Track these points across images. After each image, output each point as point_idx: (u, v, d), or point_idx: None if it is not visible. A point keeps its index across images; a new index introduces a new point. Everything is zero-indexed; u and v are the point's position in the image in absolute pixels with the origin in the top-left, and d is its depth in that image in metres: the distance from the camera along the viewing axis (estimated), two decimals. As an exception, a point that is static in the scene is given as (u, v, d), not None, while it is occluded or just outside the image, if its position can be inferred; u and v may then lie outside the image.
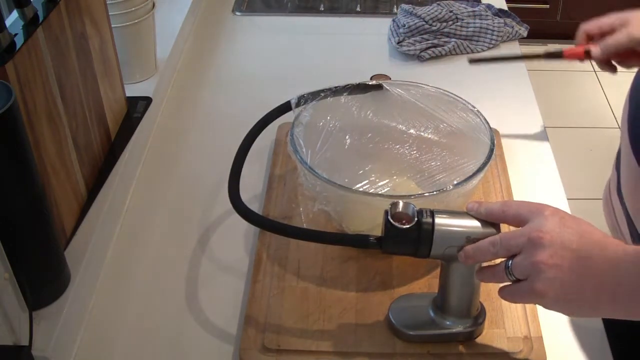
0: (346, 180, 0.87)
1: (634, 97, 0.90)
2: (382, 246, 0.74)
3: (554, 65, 2.39)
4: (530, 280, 0.68)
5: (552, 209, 0.70)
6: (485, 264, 0.74)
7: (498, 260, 0.72)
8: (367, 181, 0.91)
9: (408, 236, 0.73)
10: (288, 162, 1.04)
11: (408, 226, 0.73)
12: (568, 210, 1.00)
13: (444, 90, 1.00)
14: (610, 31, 1.01)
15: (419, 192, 0.84)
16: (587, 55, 1.03)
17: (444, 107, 0.99)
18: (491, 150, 0.89)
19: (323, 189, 0.86)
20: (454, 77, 1.26)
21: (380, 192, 0.90)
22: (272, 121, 0.95)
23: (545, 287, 0.67)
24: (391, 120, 1.01)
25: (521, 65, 1.32)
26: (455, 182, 0.86)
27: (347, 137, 0.99)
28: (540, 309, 0.84)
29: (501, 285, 0.73)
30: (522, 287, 0.69)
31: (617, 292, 0.65)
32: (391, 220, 0.73)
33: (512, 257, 0.69)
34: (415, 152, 0.99)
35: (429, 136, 0.99)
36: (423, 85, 1.00)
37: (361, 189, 0.87)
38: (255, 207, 1.00)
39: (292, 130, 0.92)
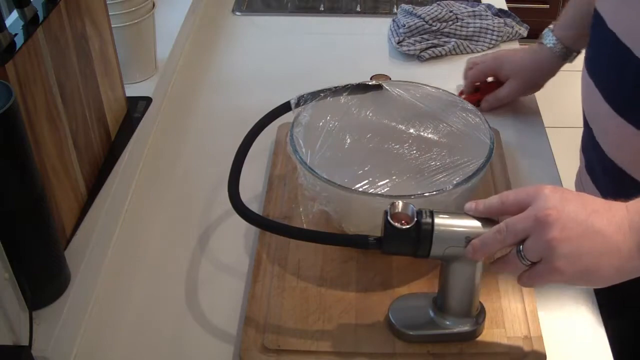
0: (346, 180, 0.87)
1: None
2: (382, 247, 0.74)
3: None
4: (546, 260, 0.67)
5: (550, 187, 0.70)
6: (497, 255, 0.73)
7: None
8: (367, 181, 0.91)
9: (407, 237, 0.73)
10: (288, 162, 1.04)
11: (407, 226, 0.72)
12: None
13: (444, 90, 1.00)
14: (492, 74, 1.20)
15: (419, 192, 0.84)
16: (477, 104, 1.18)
17: (444, 107, 0.99)
18: (491, 150, 0.89)
19: (323, 189, 0.86)
20: (454, 77, 1.26)
21: (380, 192, 0.90)
22: (271, 121, 0.95)
23: (562, 263, 0.66)
24: (391, 120, 1.01)
25: (521, 65, 1.32)
26: (455, 182, 0.86)
27: (347, 137, 0.99)
28: (540, 309, 0.84)
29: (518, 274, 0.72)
30: (539, 270, 0.68)
31: (631, 247, 0.66)
32: (390, 221, 0.73)
33: (521, 242, 0.69)
34: (415, 152, 0.99)
35: (429, 136, 0.99)
36: (423, 85, 1.00)
37: (361, 189, 0.87)
38: (255, 207, 1.00)
39: (292, 131, 0.92)
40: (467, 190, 0.86)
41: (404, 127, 1.00)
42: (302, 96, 0.95)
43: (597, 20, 0.91)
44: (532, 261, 0.69)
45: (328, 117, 0.97)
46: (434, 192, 0.84)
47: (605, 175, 0.95)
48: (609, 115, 0.87)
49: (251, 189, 1.03)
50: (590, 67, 0.94)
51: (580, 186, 1.05)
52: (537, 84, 1.18)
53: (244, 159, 0.89)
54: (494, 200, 0.73)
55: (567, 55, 1.12)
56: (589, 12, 0.95)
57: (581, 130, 1.00)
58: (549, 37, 1.12)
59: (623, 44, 0.84)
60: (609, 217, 0.67)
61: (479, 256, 0.72)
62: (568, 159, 1.30)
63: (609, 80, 0.89)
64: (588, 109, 0.96)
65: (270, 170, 1.05)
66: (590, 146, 0.97)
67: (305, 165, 0.87)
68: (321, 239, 0.81)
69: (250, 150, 0.91)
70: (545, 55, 1.13)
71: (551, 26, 1.13)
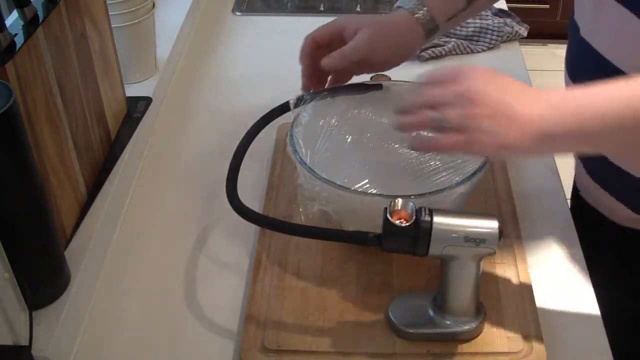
0: (346, 180, 0.87)
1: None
2: (381, 243, 0.75)
3: (554, 64, 2.39)
4: (468, 132, 0.72)
5: (471, 67, 0.75)
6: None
7: None
8: (366, 181, 0.90)
9: (406, 234, 0.73)
10: (288, 162, 1.04)
11: (406, 224, 0.73)
12: (569, 211, 1.00)
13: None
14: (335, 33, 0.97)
15: (419, 192, 0.84)
16: None
17: (443, 107, 0.99)
18: (491, 150, 0.89)
19: (322, 189, 0.86)
20: (454, 77, 1.26)
21: (379, 192, 0.90)
22: (270, 121, 0.95)
23: (484, 137, 0.71)
24: (391, 120, 1.01)
25: (521, 65, 1.32)
26: (455, 182, 0.86)
27: (346, 137, 0.99)
28: (539, 308, 0.84)
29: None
30: (457, 138, 0.73)
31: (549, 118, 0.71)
32: (390, 218, 0.73)
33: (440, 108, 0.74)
34: (415, 151, 0.98)
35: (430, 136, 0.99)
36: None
37: (361, 189, 0.87)
38: (255, 207, 1.00)
39: (292, 131, 0.92)
40: (467, 190, 0.86)
41: (404, 127, 1.00)
42: (302, 96, 0.95)
43: (574, 29, 0.92)
44: (450, 126, 0.73)
45: (328, 117, 0.97)
46: (434, 192, 0.84)
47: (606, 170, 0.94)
48: None
49: (251, 190, 1.02)
50: (570, 69, 0.95)
51: (582, 186, 1.05)
52: (395, 45, 0.96)
53: (243, 158, 0.89)
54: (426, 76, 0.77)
55: (428, 21, 0.95)
56: None
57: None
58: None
59: (598, 53, 0.86)
60: (528, 100, 0.72)
61: (409, 122, 0.78)
62: (568, 158, 1.29)
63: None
64: None
65: (270, 171, 1.05)
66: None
67: (305, 166, 0.87)
68: (320, 235, 0.82)
69: (250, 150, 0.91)
70: (399, 13, 0.96)
71: None
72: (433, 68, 0.85)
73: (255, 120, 0.94)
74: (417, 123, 0.77)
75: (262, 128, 0.94)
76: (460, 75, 0.74)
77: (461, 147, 0.74)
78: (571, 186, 1.10)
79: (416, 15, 0.94)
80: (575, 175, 1.07)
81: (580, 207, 1.05)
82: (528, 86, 0.75)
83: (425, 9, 0.94)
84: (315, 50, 0.95)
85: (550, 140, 0.72)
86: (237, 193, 0.83)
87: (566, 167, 1.15)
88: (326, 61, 0.93)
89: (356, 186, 0.88)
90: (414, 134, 0.81)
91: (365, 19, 0.95)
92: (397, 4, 0.97)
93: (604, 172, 0.96)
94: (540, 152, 0.85)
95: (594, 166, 0.98)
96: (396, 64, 0.98)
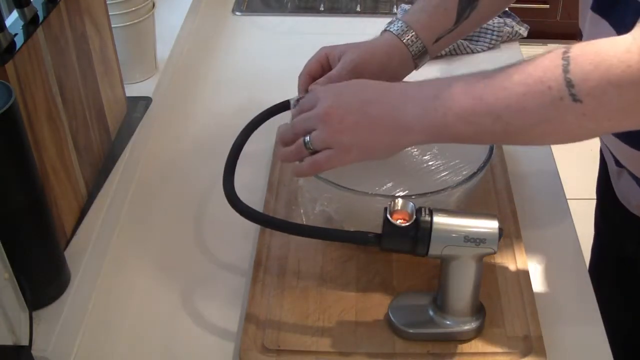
0: (347, 180, 0.87)
1: None
2: (381, 243, 0.75)
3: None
4: (332, 147, 0.77)
5: (322, 89, 0.83)
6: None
7: None
8: (368, 181, 0.90)
9: (406, 234, 0.73)
10: (288, 163, 1.03)
11: (406, 224, 0.73)
12: (569, 211, 1.00)
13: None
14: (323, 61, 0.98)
15: (419, 192, 0.84)
16: None
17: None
18: (491, 150, 0.89)
19: (324, 190, 0.86)
20: (454, 77, 1.26)
21: (380, 193, 0.90)
22: (268, 118, 0.95)
23: (347, 151, 0.77)
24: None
25: (521, 65, 1.32)
26: (455, 182, 0.86)
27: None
28: (539, 308, 0.84)
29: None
30: (327, 154, 0.78)
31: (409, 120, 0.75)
32: (390, 218, 0.73)
33: (306, 134, 0.79)
34: (415, 151, 0.98)
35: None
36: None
37: (362, 190, 0.87)
38: (255, 208, 1.00)
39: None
40: (467, 190, 0.86)
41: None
42: (302, 97, 0.95)
43: (580, 37, 0.92)
44: (318, 149, 0.78)
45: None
46: (434, 192, 0.84)
47: None
48: None
49: (251, 190, 1.02)
50: None
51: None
52: (381, 68, 0.94)
53: (239, 153, 0.89)
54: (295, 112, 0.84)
55: (414, 42, 0.94)
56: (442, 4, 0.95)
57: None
58: (394, 23, 0.96)
59: None
60: (382, 102, 0.77)
61: (282, 152, 0.83)
62: (568, 158, 1.29)
63: None
64: None
65: (270, 171, 1.05)
66: None
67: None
68: (320, 235, 0.82)
69: (250, 150, 0.91)
70: (385, 36, 0.96)
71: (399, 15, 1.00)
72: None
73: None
74: (296, 154, 0.81)
75: (260, 124, 0.94)
76: (314, 98, 0.80)
77: (323, 165, 0.79)
78: (571, 186, 1.10)
79: (402, 38, 0.94)
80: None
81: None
82: (383, 82, 0.80)
83: (412, 31, 0.94)
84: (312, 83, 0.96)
85: (406, 132, 0.75)
86: (234, 189, 0.83)
87: (566, 166, 1.15)
88: (314, 87, 0.93)
89: (357, 186, 0.88)
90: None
91: (349, 44, 0.95)
92: (385, 27, 0.97)
93: None
94: (401, 145, 0.80)
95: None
96: None
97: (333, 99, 0.78)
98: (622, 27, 0.72)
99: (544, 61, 0.68)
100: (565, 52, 0.66)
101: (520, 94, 0.68)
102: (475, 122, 0.71)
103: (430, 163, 0.96)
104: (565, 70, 0.65)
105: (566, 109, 0.66)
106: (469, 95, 0.71)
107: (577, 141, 0.70)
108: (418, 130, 0.75)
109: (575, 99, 0.65)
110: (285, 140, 0.83)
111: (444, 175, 0.93)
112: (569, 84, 0.65)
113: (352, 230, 0.88)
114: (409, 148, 0.99)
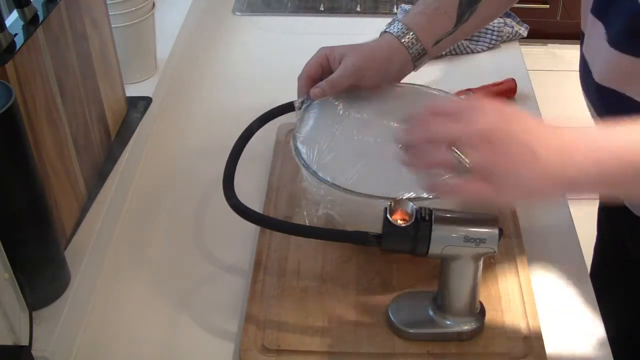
0: (350, 182, 0.86)
1: None
2: (380, 244, 0.75)
3: (554, 64, 2.39)
4: (494, 180, 0.66)
5: (487, 103, 0.69)
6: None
7: None
8: (370, 182, 0.90)
9: (406, 234, 0.73)
10: (288, 163, 1.04)
11: (406, 224, 0.73)
12: (569, 212, 1.00)
13: (444, 91, 1.00)
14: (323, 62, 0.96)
15: (420, 192, 0.84)
16: None
17: (444, 107, 0.98)
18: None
19: (327, 192, 0.85)
20: (454, 77, 1.26)
21: (383, 194, 0.90)
22: (272, 119, 0.95)
23: (510, 187, 0.66)
24: (392, 121, 1.00)
25: (521, 65, 1.32)
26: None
27: (348, 138, 0.98)
28: (539, 308, 0.84)
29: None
30: (483, 186, 0.67)
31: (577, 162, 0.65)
32: (390, 218, 0.73)
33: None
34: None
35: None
36: (423, 86, 1.00)
37: (365, 191, 0.87)
38: (255, 209, 1.00)
39: (295, 134, 0.92)
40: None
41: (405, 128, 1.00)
42: (306, 99, 0.95)
43: (581, 40, 0.92)
44: (472, 171, 0.67)
45: (330, 119, 0.97)
46: (436, 195, 0.84)
47: None
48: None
49: (251, 190, 1.02)
50: (580, 77, 0.94)
51: None
52: (382, 70, 0.95)
53: (241, 153, 0.89)
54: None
55: (413, 44, 0.94)
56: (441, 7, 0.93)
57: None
58: (393, 25, 0.96)
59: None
60: (546, 140, 0.66)
61: (413, 152, 0.71)
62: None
63: None
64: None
65: (270, 171, 1.05)
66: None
67: (310, 169, 0.87)
68: (320, 235, 0.82)
69: (250, 151, 0.91)
70: (385, 38, 0.95)
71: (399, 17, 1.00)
72: (446, 95, 0.83)
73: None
74: (432, 162, 0.70)
75: (262, 125, 0.94)
76: (472, 110, 0.68)
77: (488, 197, 0.67)
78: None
79: (402, 40, 0.94)
80: None
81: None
82: (541, 120, 0.69)
83: (412, 33, 0.94)
84: (312, 85, 0.95)
85: (572, 186, 0.68)
86: (234, 190, 0.83)
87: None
88: (315, 91, 0.93)
89: (360, 188, 0.88)
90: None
91: (349, 46, 0.94)
92: (384, 28, 0.97)
93: None
94: (562, 197, 0.77)
95: None
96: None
97: (501, 118, 0.67)
98: (612, 29, 0.72)
99: None
100: None
101: None
102: None
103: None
104: None
105: None
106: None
107: None
108: (584, 179, 0.66)
109: None
110: (415, 140, 0.71)
111: (446, 178, 0.93)
112: None
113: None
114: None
